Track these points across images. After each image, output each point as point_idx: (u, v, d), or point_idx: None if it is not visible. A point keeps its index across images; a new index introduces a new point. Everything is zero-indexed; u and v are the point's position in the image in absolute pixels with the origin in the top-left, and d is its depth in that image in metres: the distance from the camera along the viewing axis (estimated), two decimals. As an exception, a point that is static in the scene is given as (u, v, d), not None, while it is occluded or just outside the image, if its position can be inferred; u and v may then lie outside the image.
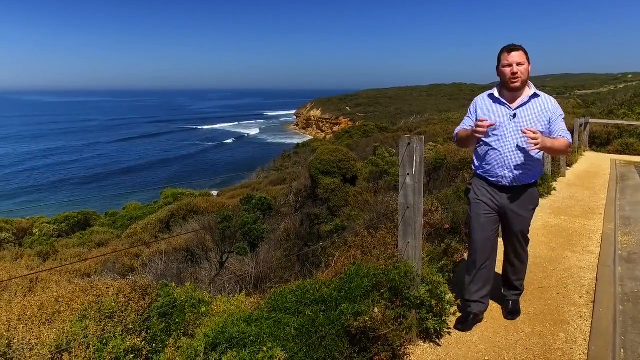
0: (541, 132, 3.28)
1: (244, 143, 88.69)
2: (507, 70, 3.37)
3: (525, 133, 3.17)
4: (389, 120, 67.99)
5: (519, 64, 3.35)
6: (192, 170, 57.86)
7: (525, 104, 3.43)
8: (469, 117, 3.68)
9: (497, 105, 3.52)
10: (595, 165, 13.53)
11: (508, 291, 4.01)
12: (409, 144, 3.16)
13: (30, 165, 61.76)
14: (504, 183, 3.52)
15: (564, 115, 3.50)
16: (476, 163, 3.72)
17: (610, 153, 16.65)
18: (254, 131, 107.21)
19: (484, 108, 3.57)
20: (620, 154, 16.43)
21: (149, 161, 66.46)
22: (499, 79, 3.51)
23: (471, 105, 3.71)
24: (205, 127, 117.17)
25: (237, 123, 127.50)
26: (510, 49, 3.37)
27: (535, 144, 3.17)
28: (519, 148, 3.41)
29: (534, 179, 3.59)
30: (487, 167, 3.58)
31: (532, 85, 3.49)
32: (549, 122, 3.42)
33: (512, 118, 3.42)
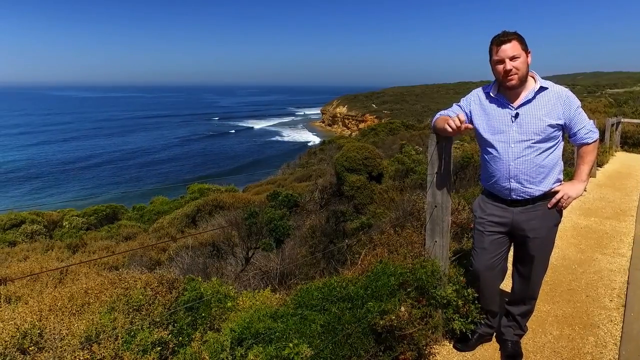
0: (556, 125, 2.83)
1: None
2: (500, 67, 2.80)
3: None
4: (416, 118, 67.78)
5: (513, 58, 2.76)
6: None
7: (529, 101, 2.84)
8: (459, 106, 3.13)
9: (495, 105, 2.95)
10: (626, 165, 13.23)
11: (507, 328, 3.38)
12: (437, 142, 3.13)
13: (155, 157, 68.66)
14: (514, 197, 2.97)
15: (580, 104, 2.90)
16: (482, 175, 3.19)
17: (643, 154, 16.29)
18: (304, 132, 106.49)
19: (482, 107, 3.02)
20: (653, 154, 16.02)
21: (273, 154, 70.97)
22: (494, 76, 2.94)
23: (470, 95, 3.13)
24: (257, 126, 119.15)
25: (278, 121, 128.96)
26: (500, 40, 2.77)
27: (566, 205, 2.95)
28: (526, 153, 2.85)
29: (551, 188, 2.96)
30: (492, 180, 3.03)
31: (538, 77, 2.89)
32: (568, 120, 2.85)
33: (513, 119, 2.85)
